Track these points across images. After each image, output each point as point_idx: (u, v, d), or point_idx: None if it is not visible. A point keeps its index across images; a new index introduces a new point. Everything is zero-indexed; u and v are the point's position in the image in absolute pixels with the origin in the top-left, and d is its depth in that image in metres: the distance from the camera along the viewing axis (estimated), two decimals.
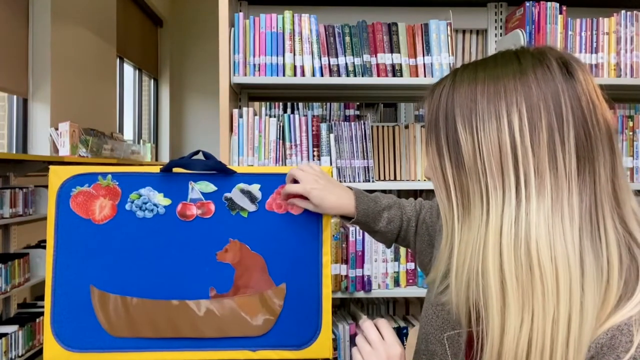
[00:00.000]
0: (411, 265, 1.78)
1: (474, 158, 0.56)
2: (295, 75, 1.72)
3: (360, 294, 1.77)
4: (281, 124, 1.73)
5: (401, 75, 1.74)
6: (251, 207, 1.01)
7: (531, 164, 0.54)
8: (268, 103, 2.95)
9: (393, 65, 1.75)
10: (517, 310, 0.53)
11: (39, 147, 3.65)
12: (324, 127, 1.74)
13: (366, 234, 1.75)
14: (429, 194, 2.06)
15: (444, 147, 0.59)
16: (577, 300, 0.52)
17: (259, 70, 1.72)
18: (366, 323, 0.71)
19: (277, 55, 1.72)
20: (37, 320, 2.87)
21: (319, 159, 1.74)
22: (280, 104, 3.08)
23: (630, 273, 0.55)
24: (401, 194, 2.54)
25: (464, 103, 0.58)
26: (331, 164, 1.73)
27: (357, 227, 1.76)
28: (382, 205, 0.99)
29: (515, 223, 0.54)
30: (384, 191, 2.88)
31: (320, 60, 1.72)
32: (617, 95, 2.14)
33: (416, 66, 1.75)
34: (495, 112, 0.56)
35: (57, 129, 3.48)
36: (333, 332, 1.73)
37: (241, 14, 1.74)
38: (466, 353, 0.68)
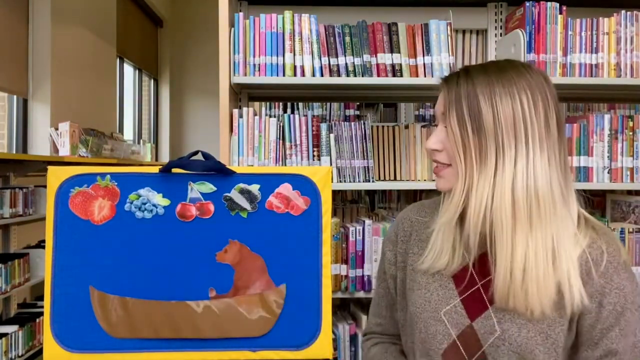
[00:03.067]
0: None
1: (494, 124, 0.78)
2: (295, 75, 1.72)
3: (360, 294, 1.76)
4: (281, 124, 1.73)
5: (401, 75, 1.74)
6: (251, 208, 1.01)
7: (535, 128, 0.78)
8: (268, 103, 2.95)
9: (393, 65, 1.74)
10: (526, 231, 0.77)
11: (39, 147, 3.65)
12: (324, 127, 1.74)
13: (366, 234, 1.75)
14: (429, 193, 2.05)
15: (466, 117, 0.79)
16: (562, 218, 0.79)
17: (259, 70, 1.72)
18: None
19: (277, 55, 1.72)
20: (37, 320, 2.87)
21: (319, 159, 1.74)
22: (280, 104, 3.08)
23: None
24: (401, 193, 2.54)
25: (483, 86, 0.80)
26: (331, 164, 1.73)
27: (357, 227, 1.76)
28: None
29: (526, 170, 0.77)
30: (383, 191, 2.85)
31: (320, 60, 1.72)
32: (617, 95, 2.14)
33: (416, 66, 1.75)
34: (509, 92, 0.79)
35: (57, 129, 3.48)
36: (333, 333, 1.73)
37: (241, 14, 1.74)
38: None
